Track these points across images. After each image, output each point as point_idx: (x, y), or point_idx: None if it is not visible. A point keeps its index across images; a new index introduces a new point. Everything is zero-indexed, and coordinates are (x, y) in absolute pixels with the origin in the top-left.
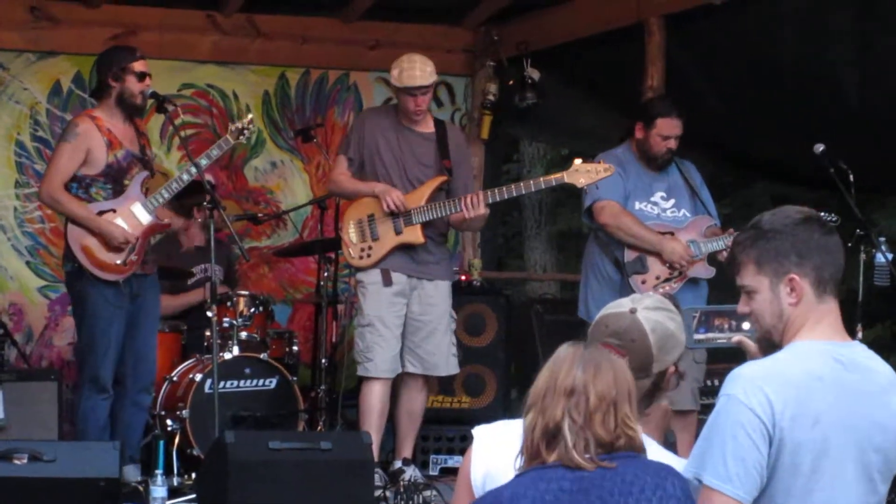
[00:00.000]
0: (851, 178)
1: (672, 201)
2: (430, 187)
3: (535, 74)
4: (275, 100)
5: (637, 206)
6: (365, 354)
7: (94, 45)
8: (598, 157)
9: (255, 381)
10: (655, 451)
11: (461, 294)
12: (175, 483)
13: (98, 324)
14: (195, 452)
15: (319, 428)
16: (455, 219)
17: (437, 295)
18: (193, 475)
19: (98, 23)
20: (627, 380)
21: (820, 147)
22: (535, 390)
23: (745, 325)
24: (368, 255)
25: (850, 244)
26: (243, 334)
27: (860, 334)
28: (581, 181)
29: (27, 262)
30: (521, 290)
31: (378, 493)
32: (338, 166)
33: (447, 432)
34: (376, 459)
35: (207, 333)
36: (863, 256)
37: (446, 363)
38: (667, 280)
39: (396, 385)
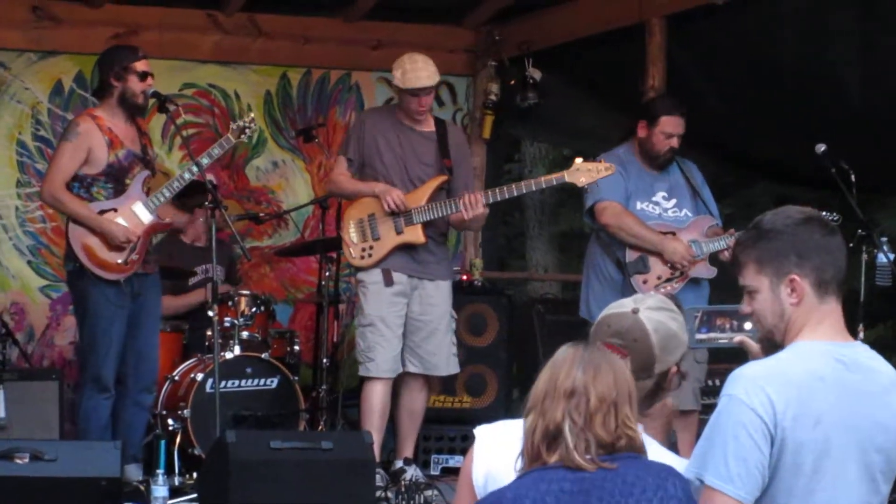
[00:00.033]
0: (853, 178)
1: (673, 201)
2: (431, 187)
3: (537, 74)
4: (276, 99)
5: (638, 206)
6: (366, 354)
7: (96, 44)
8: (600, 157)
9: (256, 381)
10: (656, 452)
11: (463, 294)
12: (176, 482)
13: (99, 323)
14: (196, 452)
15: (320, 427)
16: (455, 219)
17: (437, 295)
18: (194, 475)
19: (100, 22)
20: (627, 380)
21: (822, 147)
22: (535, 392)
23: (747, 325)
24: (369, 255)
25: (851, 244)
26: (245, 334)
27: (862, 334)
28: (582, 180)
29: (29, 262)
30: (522, 291)
31: (379, 492)
32: (337, 167)
33: (448, 432)
34: (377, 459)
35: (209, 333)
36: (864, 256)
37: (447, 363)
38: (668, 280)
39: (397, 385)
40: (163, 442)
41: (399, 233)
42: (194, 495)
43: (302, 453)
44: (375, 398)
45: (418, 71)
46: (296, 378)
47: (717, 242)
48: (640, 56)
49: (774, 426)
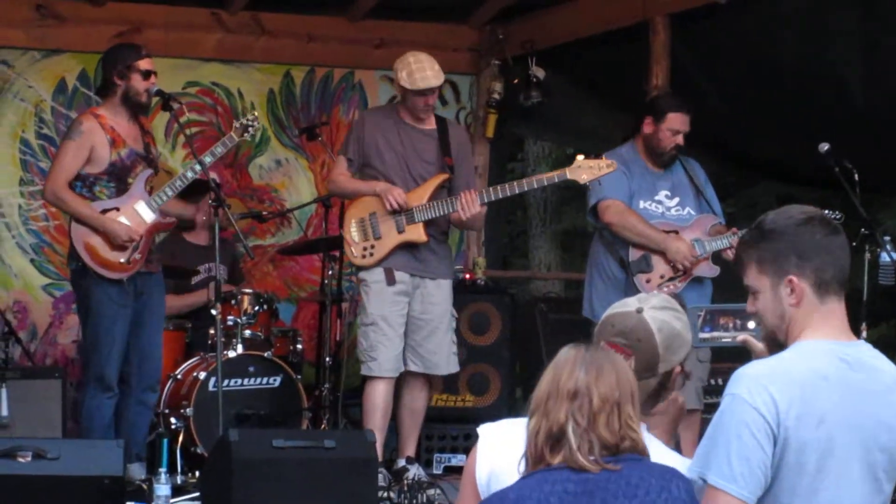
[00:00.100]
0: (856, 177)
1: (676, 200)
2: (432, 185)
3: (540, 73)
4: (280, 98)
5: (641, 204)
6: (368, 353)
7: (100, 42)
8: (603, 156)
9: (258, 380)
10: (659, 452)
11: (465, 293)
12: (179, 481)
13: (102, 322)
14: (199, 450)
15: (323, 426)
16: (454, 217)
17: (438, 294)
18: (197, 473)
19: (103, 20)
20: (630, 380)
21: (825, 146)
22: (537, 394)
23: (751, 324)
24: (371, 254)
25: (854, 243)
26: (247, 332)
27: (865, 333)
28: (584, 177)
29: (31, 260)
30: (525, 289)
31: (382, 492)
32: (338, 167)
33: (451, 431)
34: (380, 458)
35: (211, 331)
36: (867, 256)
37: (447, 362)
38: (671, 279)
39: (398, 384)
40: (165, 440)
41: (401, 231)
42: (197, 494)
43: (304, 452)
44: (378, 397)
45: (425, 71)
46: (298, 377)
47: (719, 241)
48: (644, 55)
49: (777, 425)
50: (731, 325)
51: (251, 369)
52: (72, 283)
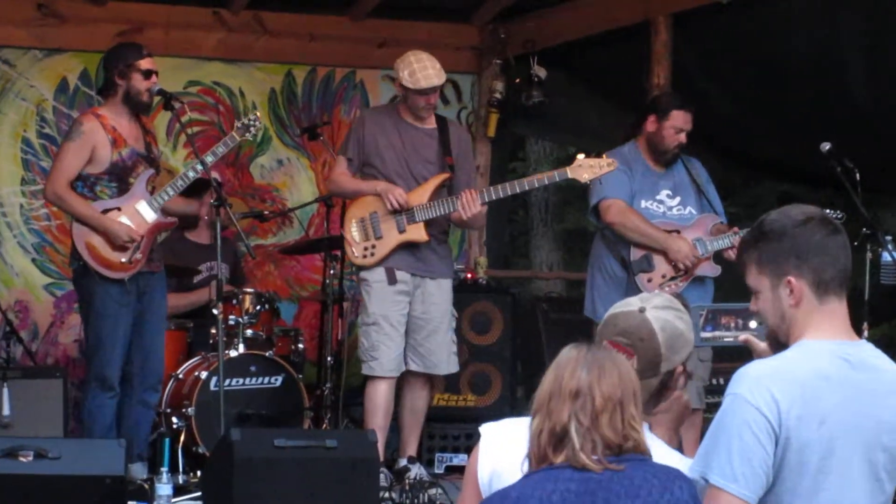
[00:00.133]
0: (858, 176)
1: (678, 199)
2: (433, 184)
3: (542, 73)
4: (281, 97)
5: (643, 204)
6: (370, 353)
7: (101, 42)
8: (604, 154)
9: (260, 379)
10: (661, 452)
11: (467, 292)
12: (180, 481)
13: (105, 322)
14: (200, 450)
15: (325, 426)
16: (455, 217)
17: (438, 293)
18: (199, 473)
19: (105, 20)
20: (632, 379)
21: (826, 146)
22: (539, 394)
23: (752, 324)
24: (372, 254)
25: (856, 243)
26: (249, 332)
27: (866, 333)
28: (584, 176)
29: (33, 260)
30: (527, 289)
31: (383, 493)
32: (337, 166)
33: (453, 431)
34: (381, 458)
35: (213, 331)
36: (869, 255)
37: (447, 362)
38: (673, 278)
39: (399, 384)
40: (167, 440)
41: (401, 231)
42: (198, 494)
43: (306, 452)
44: (379, 397)
45: (426, 70)
46: (300, 376)
47: (721, 240)
48: (646, 54)
49: (779, 425)
50: (732, 324)
51: (253, 369)
52: (74, 282)
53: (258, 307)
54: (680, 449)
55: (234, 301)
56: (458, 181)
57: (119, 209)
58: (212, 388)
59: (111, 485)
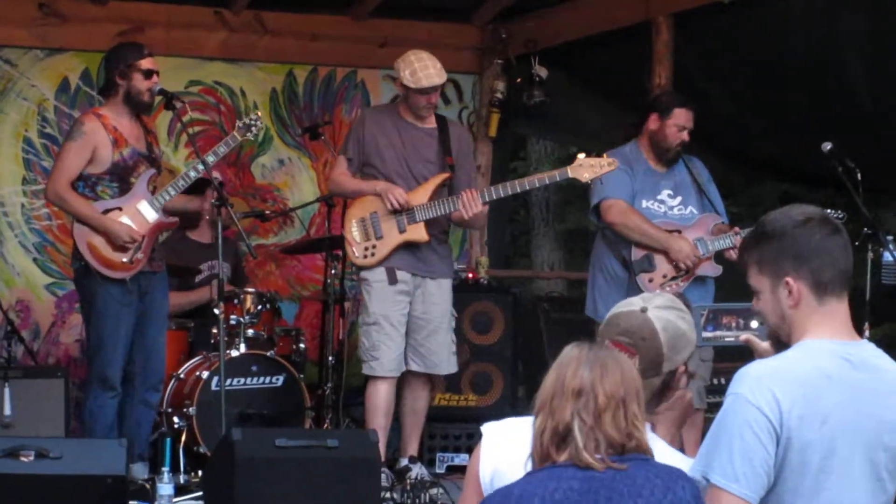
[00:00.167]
0: (859, 176)
1: (679, 199)
2: (433, 184)
3: (543, 72)
4: (282, 97)
5: (644, 204)
6: (370, 353)
7: (102, 41)
8: (604, 154)
9: (261, 379)
10: (662, 452)
11: (468, 292)
12: (182, 481)
13: (106, 322)
14: (202, 450)
15: (326, 426)
16: (456, 216)
17: (439, 293)
18: (200, 473)
19: (106, 19)
20: (634, 378)
21: (828, 145)
22: (542, 393)
23: (753, 324)
24: (372, 254)
25: (857, 243)
26: (250, 332)
27: (867, 332)
28: (585, 175)
29: (34, 259)
30: (528, 289)
31: (385, 493)
32: (337, 166)
33: (454, 430)
34: (382, 458)
35: (214, 331)
36: (870, 255)
37: (447, 362)
38: (674, 278)
39: (400, 384)
40: (168, 440)
41: (402, 231)
42: (199, 493)
43: (307, 451)
44: (380, 397)
45: (428, 69)
46: (301, 376)
47: (722, 240)
48: (647, 54)
49: (780, 425)
50: (733, 324)
51: (254, 368)
52: (75, 282)
53: (259, 307)
54: (681, 449)
55: (236, 301)
56: (458, 181)
57: (120, 209)
58: (213, 387)
59: (112, 484)
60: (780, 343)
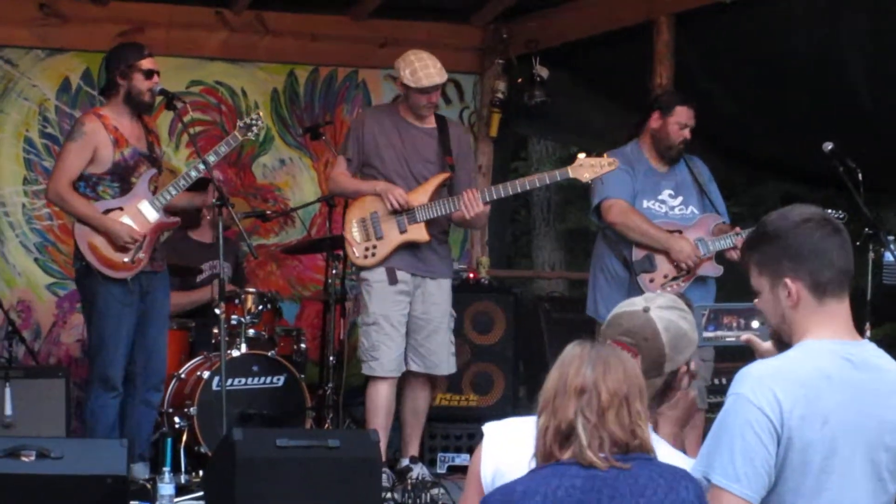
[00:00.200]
0: (860, 176)
1: (680, 199)
2: (433, 184)
3: (544, 72)
4: (283, 97)
5: (645, 204)
6: (370, 353)
7: (103, 41)
8: (605, 154)
9: (262, 379)
10: (664, 451)
11: (469, 292)
12: (183, 481)
13: (107, 322)
14: (203, 450)
15: (327, 426)
16: (457, 216)
17: (438, 293)
18: (201, 473)
19: (107, 19)
20: (637, 375)
21: (829, 145)
22: (544, 392)
23: (754, 324)
24: (373, 255)
25: (858, 243)
26: (251, 332)
27: (868, 333)
28: (586, 175)
29: (35, 259)
30: (529, 289)
31: (386, 493)
32: (337, 166)
33: (455, 430)
34: (383, 458)
35: (215, 331)
36: (871, 255)
37: (447, 362)
38: (675, 278)
39: (401, 384)
40: (169, 440)
41: (403, 231)
42: (200, 494)
43: (308, 451)
44: (380, 397)
45: (428, 68)
46: (302, 376)
47: (723, 241)
48: (648, 55)
49: (781, 425)
50: (734, 324)
51: (255, 369)
52: (76, 282)
53: (260, 307)
54: (682, 450)
55: (237, 301)
56: (458, 181)
57: (121, 209)
58: (214, 387)
59: (113, 485)
60: (783, 343)
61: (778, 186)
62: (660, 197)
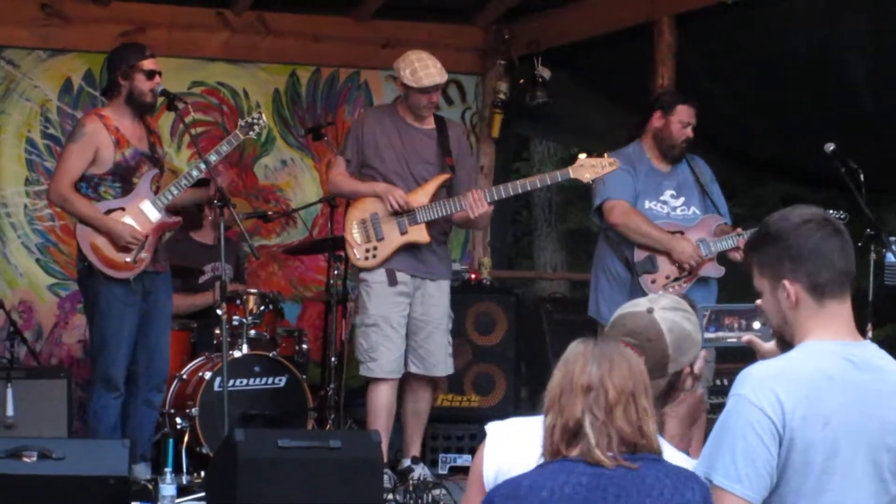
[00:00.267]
0: (862, 177)
1: (681, 199)
2: (433, 185)
3: (546, 73)
4: (285, 98)
5: (647, 204)
6: (369, 354)
7: (105, 42)
8: (605, 154)
9: (264, 380)
10: (667, 452)
11: (471, 293)
12: (184, 481)
13: (110, 322)
14: (204, 451)
15: (328, 426)
16: (459, 217)
17: (438, 295)
18: (203, 473)
19: (108, 20)
20: (642, 371)
21: (830, 146)
22: (550, 391)
23: (756, 325)
24: (374, 256)
25: (860, 244)
26: (253, 332)
27: (870, 333)
28: (586, 176)
29: (37, 260)
30: (530, 289)
31: (387, 494)
32: (336, 167)
33: (456, 431)
34: (385, 459)
35: (217, 331)
36: (873, 256)
37: (444, 363)
38: (677, 279)
39: (401, 385)
40: (171, 440)
41: (403, 233)
42: (202, 494)
43: (310, 452)
44: (381, 399)
45: (428, 68)
46: (304, 377)
47: (724, 241)
48: (649, 55)
49: (783, 426)
50: (736, 325)
51: (257, 369)
52: (79, 283)
53: (262, 308)
54: (686, 452)
55: (238, 301)
56: (458, 182)
57: (123, 209)
58: (216, 388)
59: (115, 485)
60: (786, 343)
61: (779, 187)
62: (661, 197)
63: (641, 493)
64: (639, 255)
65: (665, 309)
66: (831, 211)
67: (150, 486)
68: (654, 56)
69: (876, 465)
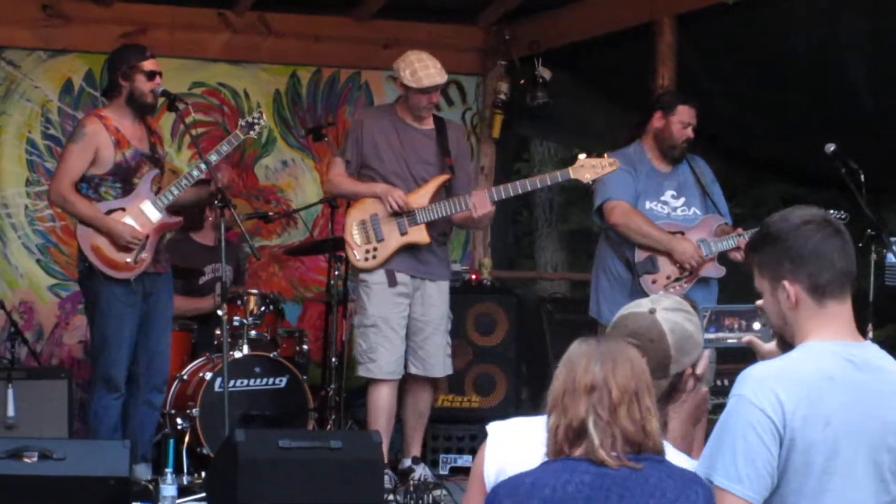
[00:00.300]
0: (862, 177)
1: (682, 200)
2: (433, 186)
3: (547, 74)
4: (286, 98)
5: (647, 205)
6: (368, 355)
7: (106, 43)
8: (605, 154)
9: (265, 380)
10: (668, 453)
11: (471, 293)
12: (185, 482)
13: (110, 323)
14: (205, 451)
15: (329, 427)
16: (459, 217)
17: (437, 295)
18: (203, 474)
19: (109, 20)
20: (644, 370)
21: (831, 146)
22: (553, 391)
23: (756, 325)
24: (374, 257)
25: (860, 244)
26: (253, 333)
27: (871, 334)
28: (587, 176)
29: (38, 261)
30: (531, 290)
31: (388, 495)
32: (335, 168)
33: (457, 431)
34: (385, 460)
35: (217, 332)
36: (874, 256)
37: (443, 364)
38: (677, 280)
39: (401, 386)
40: (171, 441)
41: (403, 233)
42: (203, 495)
43: (310, 453)
44: (381, 399)
45: (428, 69)
46: (304, 377)
47: (725, 241)
48: (650, 55)
49: (783, 426)
50: (736, 325)
51: (257, 370)
52: (79, 283)
53: (263, 308)
54: (686, 452)
55: (239, 302)
56: (457, 182)
57: (123, 209)
58: (216, 389)
59: (115, 486)
60: (787, 344)
61: (778, 187)
62: (662, 198)
63: (645, 493)
64: (639, 256)
65: (667, 310)
66: (832, 211)
67: (151, 487)
68: (655, 56)
69: (876, 466)
